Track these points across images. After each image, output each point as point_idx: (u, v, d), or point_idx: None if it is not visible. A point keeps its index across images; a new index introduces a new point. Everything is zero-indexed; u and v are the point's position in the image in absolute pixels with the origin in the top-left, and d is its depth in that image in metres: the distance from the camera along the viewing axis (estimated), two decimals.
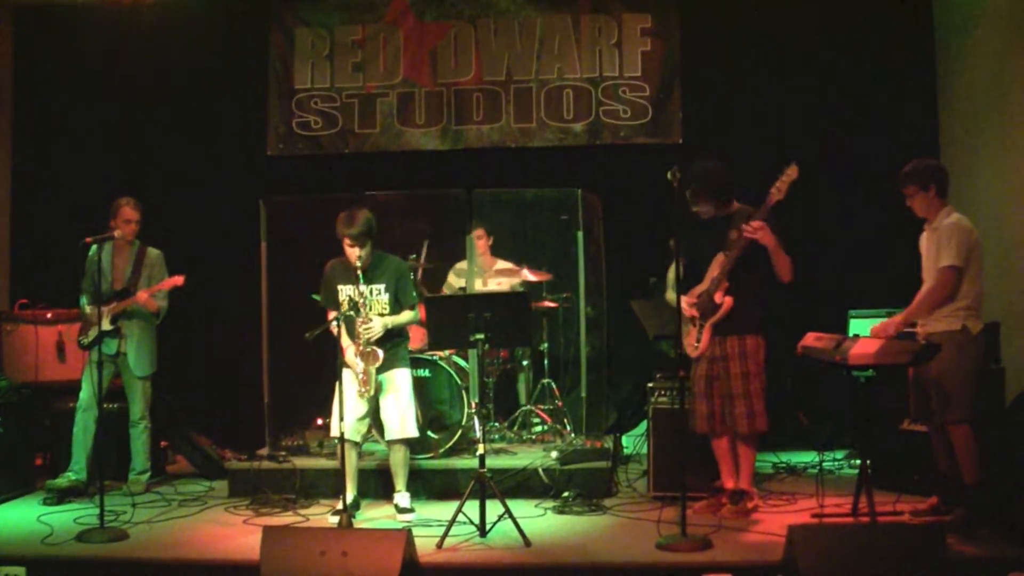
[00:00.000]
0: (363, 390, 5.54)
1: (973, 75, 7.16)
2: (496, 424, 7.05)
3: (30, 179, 8.16)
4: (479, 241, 7.37)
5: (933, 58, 7.66)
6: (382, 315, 5.60)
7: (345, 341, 5.57)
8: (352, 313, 5.51)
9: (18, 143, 8.18)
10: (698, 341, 5.45)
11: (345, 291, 5.62)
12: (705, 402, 5.46)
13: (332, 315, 5.56)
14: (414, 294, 5.75)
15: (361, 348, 5.52)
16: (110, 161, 7.89)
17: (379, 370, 5.57)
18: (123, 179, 7.22)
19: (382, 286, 5.62)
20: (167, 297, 6.38)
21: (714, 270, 5.44)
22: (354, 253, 5.51)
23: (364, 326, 5.51)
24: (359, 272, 5.52)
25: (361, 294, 5.54)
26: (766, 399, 5.41)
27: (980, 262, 5.05)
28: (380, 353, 5.51)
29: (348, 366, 5.56)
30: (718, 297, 5.38)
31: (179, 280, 6.25)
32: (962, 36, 7.30)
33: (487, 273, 7.39)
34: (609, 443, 6.56)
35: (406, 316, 5.68)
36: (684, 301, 5.38)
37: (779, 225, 5.29)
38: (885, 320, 5.23)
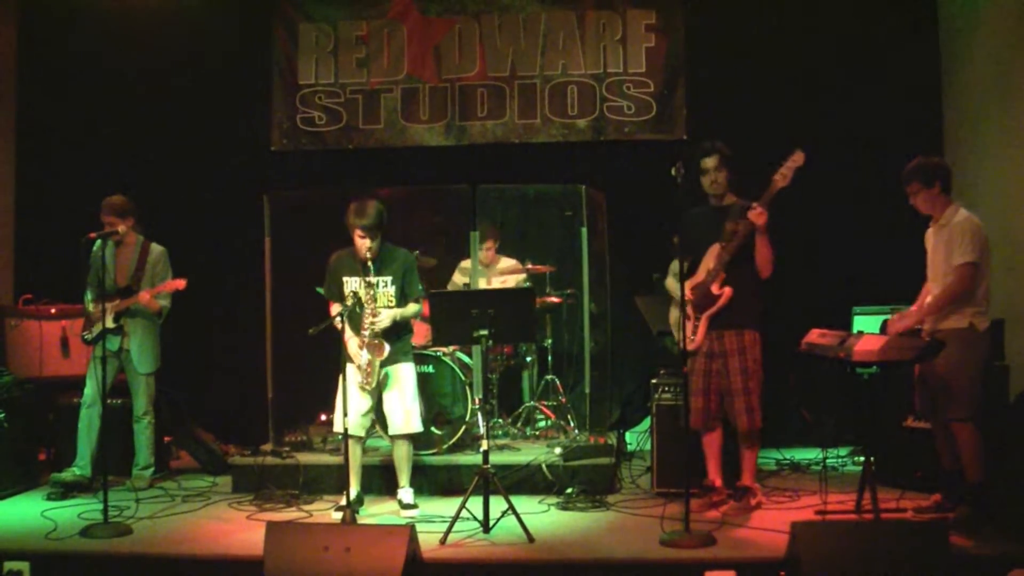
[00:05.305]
0: (365, 382, 5.51)
1: (977, 71, 7.14)
2: (500, 420, 7.05)
3: (34, 174, 8.15)
4: (488, 252, 7.35)
5: (937, 54, 7.64)
6: (388, 307, 5.57)
7: (348, 334, 5.54)
8: (357, 310, 5.49)
9: (22, 138, 8.17)
10: (694, 334, 5.42)
11: (351, 283, 5.58)
12: (701, 398, 5.45)
13: (335, 310, 5.54)
14: (420, 287, 5.73)
15: (367, 340, 5.50)
16: (114, 156, 7.87)
17: (384, 363, 5.55)
18: (127, 174, 7.23)
19: (389, 279, 5.58)
20: (169, 297, 6.36)
21: (709, 262, 5.41)
22: (364, 244, 5.46)
23: (371, 319, 5.48)
24: (369, 263, 5.48)
25: (369, 285, 5.51)
26: (763, 395, 5.40)
27: (989, 260, 5.05)
28: (386, 347, 5.49)
29: (350, 359, 5.54)
30: (715, 288, 5.35)
31: (180, 284, 6.21)
32: (966, 32, 7.28)
33: (491, 271, 7.39)
34: (613, 439, 6.57)
35: (411, 309, 5.65)
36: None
37: (776, 220, 5.27)
38: (902, 312, 5.23)
